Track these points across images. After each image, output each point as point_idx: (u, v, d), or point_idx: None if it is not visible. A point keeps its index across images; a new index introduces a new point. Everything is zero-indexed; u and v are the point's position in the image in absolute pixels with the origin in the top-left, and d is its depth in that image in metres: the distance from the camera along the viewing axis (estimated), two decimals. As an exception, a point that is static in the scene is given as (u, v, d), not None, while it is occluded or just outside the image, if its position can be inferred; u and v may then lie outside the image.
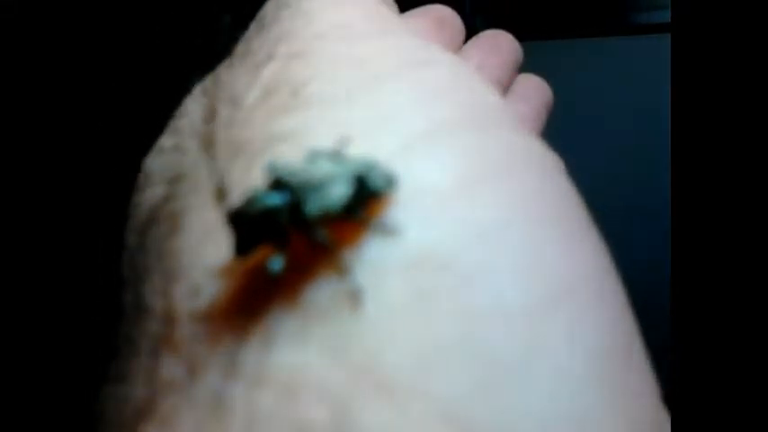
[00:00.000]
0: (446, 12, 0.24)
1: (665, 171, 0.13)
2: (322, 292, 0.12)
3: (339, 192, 0.11)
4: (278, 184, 0.11)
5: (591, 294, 0.12)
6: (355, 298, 0.11)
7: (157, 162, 0.16)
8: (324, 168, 0.12)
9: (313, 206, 0.11)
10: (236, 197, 0.12)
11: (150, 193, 0.15)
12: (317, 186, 0.11)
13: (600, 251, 0.13)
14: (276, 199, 0.11)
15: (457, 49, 0.25)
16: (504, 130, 0.14)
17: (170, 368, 0.12)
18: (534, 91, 0.25)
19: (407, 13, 0.24)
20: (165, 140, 0.16)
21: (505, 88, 0.25)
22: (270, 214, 0.11)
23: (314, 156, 0.12)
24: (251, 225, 0.11)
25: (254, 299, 0.12)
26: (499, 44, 0.25)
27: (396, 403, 0.11)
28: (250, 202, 0.11)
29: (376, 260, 0.12)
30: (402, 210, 0.12)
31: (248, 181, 0.13)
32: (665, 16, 0.44)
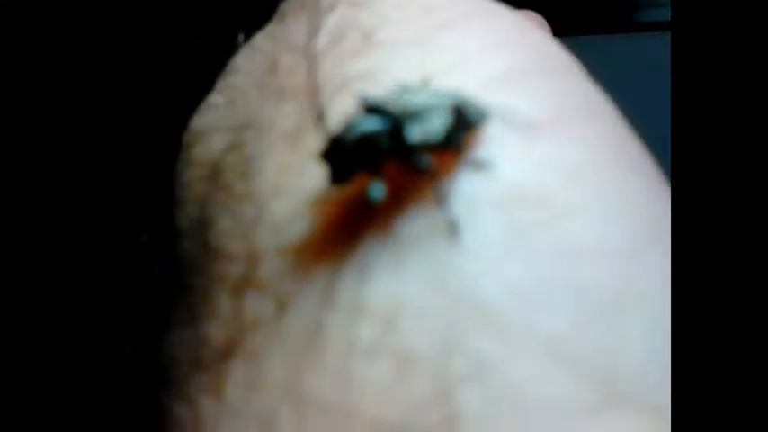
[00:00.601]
0: None
1: (667, 167, 0.13)
2: (418, 221, 0.11)
3: (439, 120, 0.11)
4: (374, 111, 0.11)
5: (668, 245, 0.12)
6: (452, 228, 0.11)
7: (210, 117, 0.15)
8: (422, 98, 0.11)
9: (415, 132, 0.11)
10: (333, 125, 0.11)
11: (208, 147, 0.15)
12: (418, 114, 0.11)
13: (670, 202, 0.13)
14: (377, 124, 0.11)
15: None
16: (577, 77, 0.14)
17: (256, 306, 0.12)
18: None
19: None
20: (216, 98, 0.16)
21: None
22: (370, 140, 0.11)
23: (404, 89, 0.12)
24: (349, 152, 0.11)
25: (349, 228, 0.11)
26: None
27: (499, 333, 0.10)
28: (349, 127, 0.11)
29: (470, 193, 0.12)
30: (494, 144, 0.12)
31: (333, 116, 0.12)
32: (668, 14, 0.45)
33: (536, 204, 0.11)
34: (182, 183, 0.15)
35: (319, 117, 0.11)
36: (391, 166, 0.11)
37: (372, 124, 0.11)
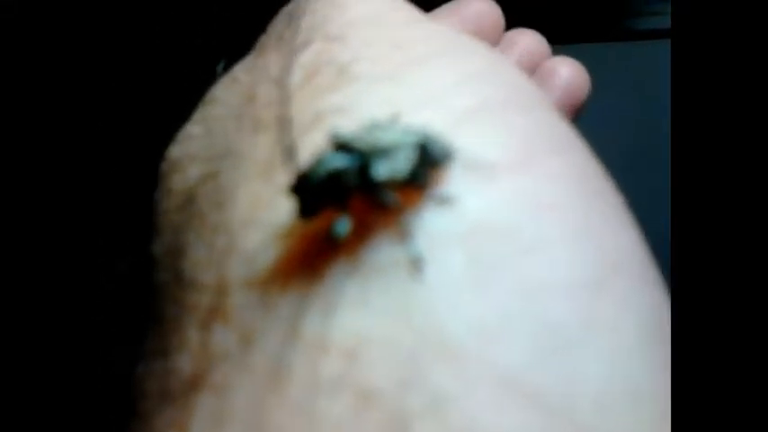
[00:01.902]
0: (483, 6, 0.25)
1: (665, 177, 0.13)
2: (383, 256, 0.12)
3: (405, 158, 0.11)
4: (343, 148, 0.12)
5: (638, 271, 0.13)
6: (416, 263, 0.11)
7: (187, 147, 0.16)
8: (390, 135, 0.12)
9: (382, 170, 0.11)
10: (303, 160, 0.12)
11: (184, 176, 0.15)
12: (384, 151, 0.11)
13: (637, 231, 0.14)
14: (345, 161, 0.11)
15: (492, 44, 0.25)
16: (546, 111, 0.15)
17: (222, 338, 0.12)
18: (557, 87, 0.25)
19: (444, 7, 0.24)
20: (193, 128, 0.16)
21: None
22: (337, 176, 0.11)
23: (374, 126, 0.12)
24: (317, 187, 0.11)
25: (315, 262, 0.12)
26: (515, 42, 0.25)
27: (458, 367, 0.11)
28: (317, 164, 0.11)
29: (435, 228, 0.12)
30: (459, 180, 0.12)
31: (303, 151, 0.13)
32: (663, 22, 0.45)
33: (500, 239, 0.12)
34: (158, 211, 0.15)
35: (288, 153, 0.12)
36: (358, 202, 0.12)
37: (340, 161, 0.11)
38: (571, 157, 0.14)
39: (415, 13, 0.17)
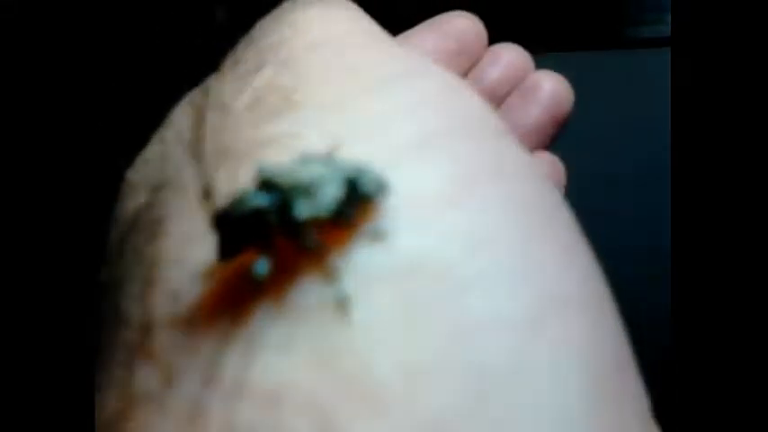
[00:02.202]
0: (465, 22, 0.24)
1: (664, 184, 0.13)
2: (308, 297, 0.11)
3: (330, 195, 0.11)
4: (267, 185, 0.11)
5: (582, 308, 0.12)
6: (342, 305, 0.11)
7: (139, 172, 0.15)
8: (314, 170, 0.11)
9: (303, 209, 0.11)
10: (223, 198, 0.11)
11: (132, 202, 0.15)
12: (307, 188, 0.11)
13: (590, 263, 0.13)
14: (264, 199, 0.11)
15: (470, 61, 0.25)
16: (494, 140, 0.14)
17: (145, 378, 0.11)
18: (541, 101, 0.25)
19: (425, 23, 0.24)
20: (150, 151, 0.16)
21: (502, 99, 0.25)
22: (257, 215, 0.11)
23: (305, 159, 0.12)
24: (237, 226, 0.11)
25: (237, 303, 0.11)
26: (499, 57, 0.25)
27: (383, 416, 0.10)
28: (237, 202, 0.11)
29: (365, 267, 0.11)
30: (392, 217, 0.12)
31: (234, 184, 0.12)
32: (661, 31, 0.45)
33: (434, 278, 0.11)
34: (110, 237, 0.15)
35: (205, 192, 0.11)
36: (282, 241, 0.11)
37: (261, 200, 0.11)
38: (515, 186, 0.13)
39: (376, 35, 0.17)
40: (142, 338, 0.12)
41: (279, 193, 0.11)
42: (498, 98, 0.25)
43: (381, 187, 0.12)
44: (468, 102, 0.15)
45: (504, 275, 0.12)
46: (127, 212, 0.15)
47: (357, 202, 0.11)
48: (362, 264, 0.11)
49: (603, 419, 0.11)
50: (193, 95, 0.16)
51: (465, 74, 0.25)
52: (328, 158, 0.12)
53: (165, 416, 0.11)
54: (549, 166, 0.25)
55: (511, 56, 0.25)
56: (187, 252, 0.12)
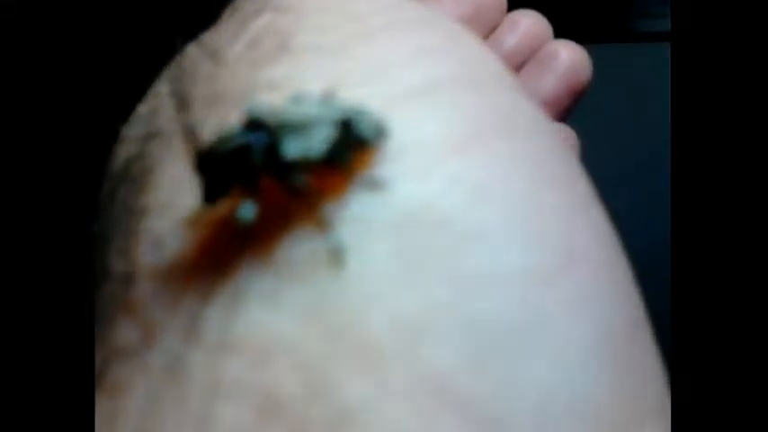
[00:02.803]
0: None
1: (665, 178, 0.12)
2: (299, 247, 0.10)
3: (321, 135, 0.10)
4: (255, 124, 0.10)
5: (594, 264, 0.11)
6: (336, 255, 0.10)
7: (133, 126, 0.15)
8: (307, 110, 0.10)
9: (291, 148, 0.10)
10: (208, 138, 0.10)
11: (121, 153, 0.14)
12: (297, 128, 0.10)
13: (603, 222, 0.12)
14: (250, 138, 0.10)
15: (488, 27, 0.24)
16: (503, 92, 0.13)
17: (125, 332, 0.11)
18: (557, 70, 0.24)
19: None
20: (143, 106, 0.15)
21: (519, 68, 0.24)
22: (242, 154, 0.10)
23: (298, 99, 0.11)
24: (221, 167, 0.10)
25: (222, 253, 0.10)
26: (517, 24, 0.24)
27: (377, 373, 0.09)
28: (221, 141, 0.10)
29: (361, 215, 0.10)
30: (392, 163, 0.11)
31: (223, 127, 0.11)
32: (667, 24, 0.44)
33: (436, 228, 0.10)
34: (102, 192, 0.14)
35: (189, 135, 0.10)
36: (270, 186, 0.10)
37: (245, 138, 0.10)
38: (524, 140, 0.12)
39: None
40: (124, 291, 0.11)
41: (266, 132, 0.10)
42: (515, 67, 0.24)
43: (380, 132, 0.11)
44: (477, 53, 0.14)
45: (511, 227, 0.11)
46: (117, 165, 0.14)
47: (353, 145, 0.10)
48: (358, 212, 0.10)
49: (615, 379, 0.10)
50: (188, 48, 0.16)
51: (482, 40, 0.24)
52: (323, 100, 0.11)
53: (143, 373, 0.10)
54: (563, 136, 0.24)
55: (529, 23, 0.24)
56: (173, 200, 0.11)
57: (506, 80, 0.14)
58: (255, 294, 0.10)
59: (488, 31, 0.24)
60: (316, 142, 0.10)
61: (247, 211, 0.10)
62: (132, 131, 0.14)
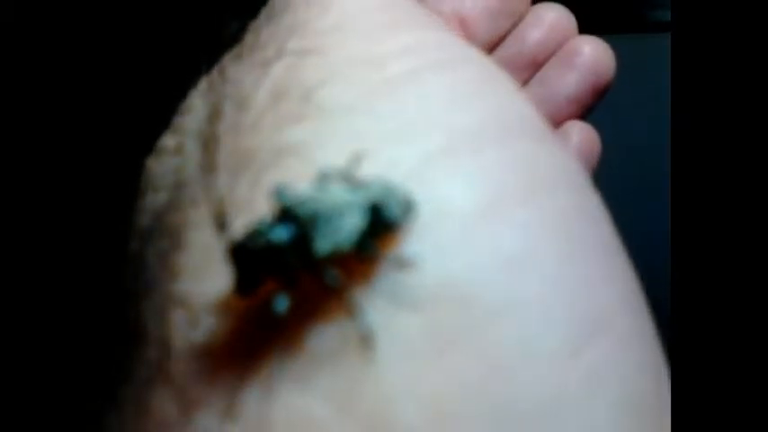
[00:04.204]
0: None
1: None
2: (330, 334, 0.11)
3: (351, 225, 0.10)
4: (285, 213, 0.10)
5: (620, 332, 0.11)
6: (366, 341, 0.10)
7: (160, 164, 0.15)
8: (335, 196, 0.10)
9: (322, 244, 0.10)
10: (239, 227, 0.10)
11: (153, 199, 0.14)
12: (327, 218, 0.10)
13: (629, 279, 0.13)
14: (282, 234, 0.10)
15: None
16: (530, 142, 0.13)
17: (163, 403, 0.11)
18: (580, 67, 0.23)
19: None
20: (168, 140, 0.15)
21: (542, 63, 0.24)
22: (275, 250, 0.10)
23: (324, 177, 0.11)
24: (254, 260, 0.10)
25: (257, 338, 0.11)
26: (541, 18, 0.24)
27: None
28: (253, 235, 0.10)
29: (390, 296, 0.11)
30: (420, 238, 0.11)
31: (253, 200, 0.12)
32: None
33: (464, 304, 0.11)
34: (132, 234, 0.14)
35: (219, 220, 0.10)
36: (303, 274, 0.11)
37: (279, 234, 0.10)
38: (551, 201, 0.12)
39: (407, 10, 0.15)
40: (162, 360, 0.11)
41: (297, 226, 0.10)
42: (538, 62, 0.24)
43: (407, 210, 0.11)
44: (504, 96, 0.14)
45: (538, 300, 0.11)
46: (148, 209, 0.14)
47: (381, 228, 0.11)
48: (387, 293, 0.11)
49: None
50: (212, 77, 0.15)
51: (505, 34, 0.24)
52: (350, 177, 0.11)
53: None
54: (584, 135, 0.23)
55: (554, 17, 0.24)
56: (205, 272, 0.12)
57: (534, 126, 0.14)
58: (289, 379, 0.10)
59: (512, 25, 0.23)
60: (346, 233, 0.10)
61: (281, 304, 0.10)
62: (160, 169, 0.14)
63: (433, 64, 0.14)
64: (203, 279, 0.12)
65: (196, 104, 0.15)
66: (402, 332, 0.11)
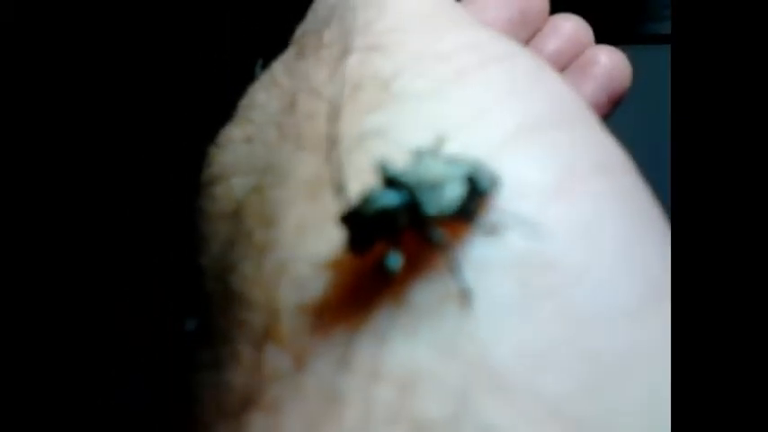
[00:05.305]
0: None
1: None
2: (431, 289, 0.12)
3: (454, 192, 0.12)
4: (391, 182, 0.12)
5: None
6: (464, 296, 0.12)
7: (231, 153, 0.16)
8: (437, 168, 0.12)
9: (431, 206, 0.11)
10: (353, 195, 0.12)
11: (228, 186, 0.15)
12: (432, 186, 0.12)
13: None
14: (394, 199, 0.11)
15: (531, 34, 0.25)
16: (591, 129, 0.15)
17: (275, 359, 0.12)
18: (596, 76, 0.24)
19: None
20: (234, 131, 0.16)
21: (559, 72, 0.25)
22: (387, 214, 0.11)
23: (420, 154, 0.12)
24: (368, 224, 0.11)
25: (364, 294, 0.12)
26: (559, 28, 0.25)
27: (507, 398, 0.11)
28: (368, 201, 0.11)
29: (482, 259, 0.12)
30: (504, 208, 0.12)
31: (353, 177, 0.13)
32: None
33: (545, 269, 0.12)
34: (203, 218, 0.15)
35: (338, 189, 0.12)
36: (407, 235, 0.12)
37: (390, 199, 0.11)
38: (615, 175, 0.14)
39: (457, 11, 0.17)
40: (269, 322, 0.13)
41: (406, 192, 0.11)
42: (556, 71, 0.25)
43: (494, 182, 0.12)
44: (561, 88, 0.15)
45: (612, 264, 0.12)
46: (224, 196, 0.15)
47: (475, 197, 0.12)
48: (480, 256, 0.12)
49: None
50: (274, 74, 0.17)
51: (524, 44, 0.25)
52: (442, 154, 0.12)
53: (300, 396, 0.12)
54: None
55: (571, 27, 0.25)
56: (308, 239, 0.13)
57: (590, 115, 0.15)
58: (397, 331, 0.12)
59: (532, 35, 0.25)
60: (450, 198, 0.12)
61: (395, 261, 0.11)
62: (232, 158, 0.16)
63: (493, 57, 0.15)
64: (302, 249, 0.13)
65: (262, 98, 0.16)
66: (494, 291, 0.12)
